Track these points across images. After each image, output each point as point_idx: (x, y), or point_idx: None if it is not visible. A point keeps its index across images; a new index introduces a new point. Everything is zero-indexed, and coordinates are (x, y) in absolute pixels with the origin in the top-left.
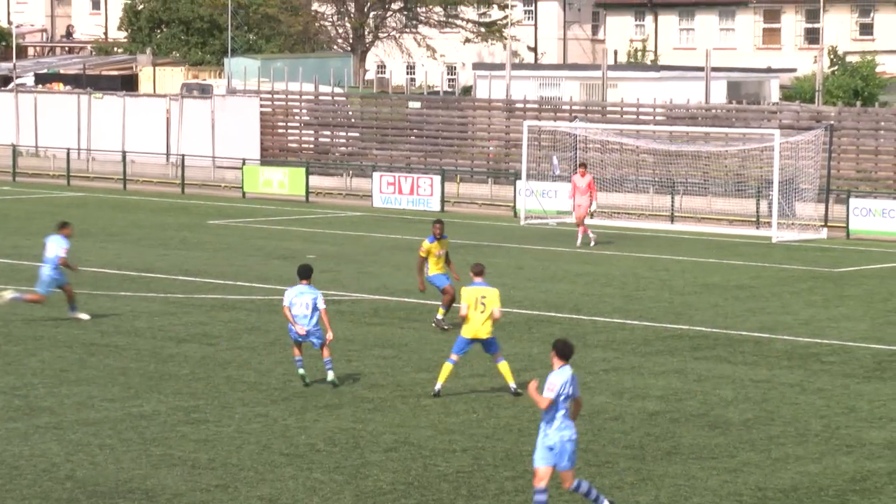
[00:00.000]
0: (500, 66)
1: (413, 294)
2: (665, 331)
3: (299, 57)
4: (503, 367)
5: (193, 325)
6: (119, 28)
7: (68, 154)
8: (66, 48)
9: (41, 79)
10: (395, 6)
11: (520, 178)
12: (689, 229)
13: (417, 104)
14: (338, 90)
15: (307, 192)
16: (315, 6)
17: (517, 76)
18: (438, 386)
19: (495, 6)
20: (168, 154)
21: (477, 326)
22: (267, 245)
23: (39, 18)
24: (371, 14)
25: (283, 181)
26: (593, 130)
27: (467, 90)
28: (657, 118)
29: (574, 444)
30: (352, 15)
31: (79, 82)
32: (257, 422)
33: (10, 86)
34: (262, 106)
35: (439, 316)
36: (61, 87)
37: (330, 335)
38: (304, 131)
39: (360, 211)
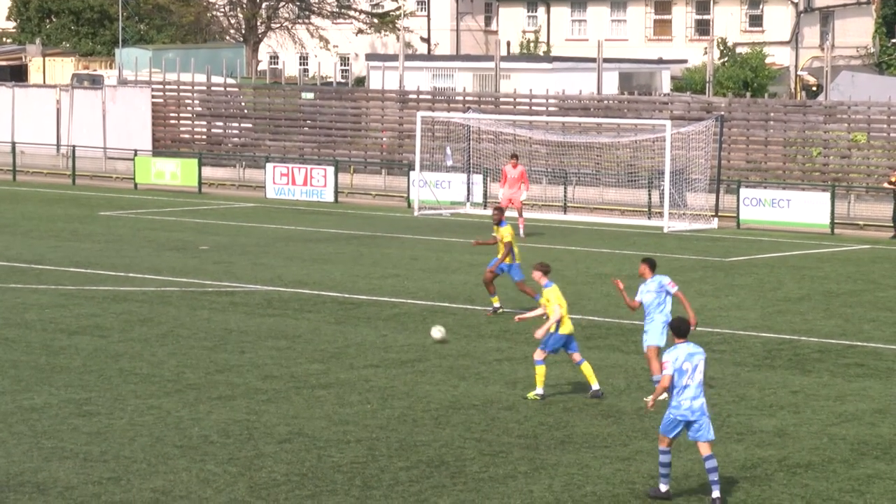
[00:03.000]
0: (393, 57)
1: (307, 285)
2: None
3: (191, 47)
4: (541, 370)
5: (85, 317)
6: (8, 18)
7: None
8: None
9: None
10: None
11: (413, 169)
12: (581, 219)
13: (310, 95)
14: (230, 81)
15: (200, 183)
16: None
17: (410, 67)
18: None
19: None
20: (58, 145)
21: (569, 322)
22: (159, 236)
23: None
24: (263, 4)
25: (176, 172)
26: (486, 121)
27: (360, 81)
28: (550, 109)
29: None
30: (244, 5)
31: None
32: (150, 414)
33: None
34: (153, 97)
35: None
36: None
37: None
38: (196, 122)
39: (253, 202)
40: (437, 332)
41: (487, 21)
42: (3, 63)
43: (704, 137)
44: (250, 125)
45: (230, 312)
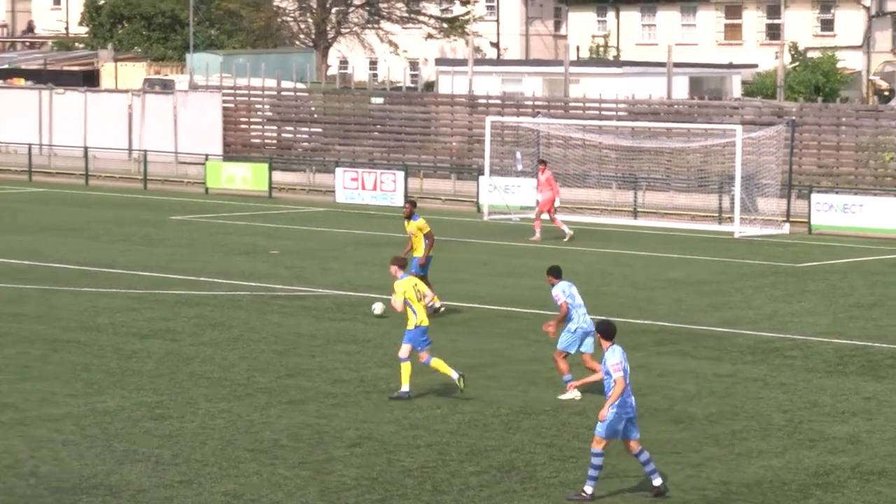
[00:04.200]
0: (463, 62)
1: (377, 290)
2: (628, 326)
3: (261, 52)
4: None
5: (156, 321)
6: (80, 23)
7: (30, 150)
8: (27, 43)
9: (2, 74)
10: (357, 2)
11: (483, 174)
12: (651, 224)
13: (380, 100)
14: (300, 86)
15: (270, 188)
16: (277, 1)
17: (479, 72)
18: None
19: (457, 2)
20: (130, 149)
21: (424, 315)
22: (229, 241)
23: None
24: (333, 10)
25: (246, 177)
26: (556, 126)
27: (430, 86)
28: (619, 114)
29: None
30: (314, 10)
31: (40, 78)
32: (221, 417)
33: None
34: (224, 101)
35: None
36: (22, 82)
37: None
38: (266, 127)
39: (323, 206)
40: (378, 307)
41: (557, 26)
42: (76, 68)
43: (775, 142)
44: (320, 130)
45: (300, 317)
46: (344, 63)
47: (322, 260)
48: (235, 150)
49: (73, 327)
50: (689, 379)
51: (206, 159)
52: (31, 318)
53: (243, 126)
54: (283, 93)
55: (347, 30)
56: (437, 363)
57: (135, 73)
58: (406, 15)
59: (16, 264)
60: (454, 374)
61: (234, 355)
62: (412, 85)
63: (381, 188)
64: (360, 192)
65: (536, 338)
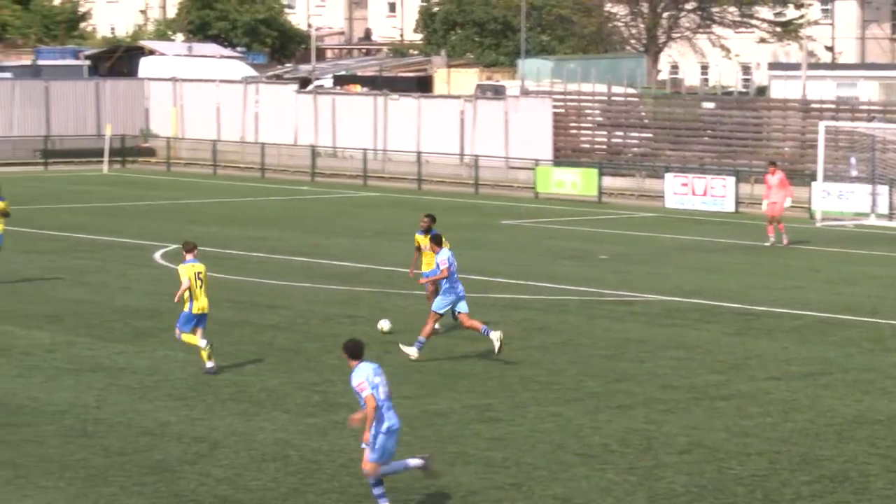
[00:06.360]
0: (796, 66)
1: (705, 296)
2: None
3: (592, 57)
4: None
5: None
6: (415, 30)
7: (365, 155)
8: (364, 50)
9: (339, 80)
10: (688, 6)
11: (816, 180)
12: None
13: (711, 104)
14: (631, 91)
15: (599, 193)
16: (608, 7)
17: (813, 76)
18: (211, 364)
19: (791, 5)
20: (462, 154)
21: (203, 301)
22: (558, 245)
23: (338, 21)
24: (664, 14)
25: (576, 181)
26: (892, 131)
27: (762, 90)
28: None
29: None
30: (645, 15)
31: (375, 84)
32: (550, 421)
33: (310, 87)
34: (554, 107)
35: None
36: (359, 88)
37: None
38: (596, 132)
39: (652, 212)
40: (385, 323)
41: (894, 28)
42: (410, 74)
43: None
44: (650, 135)
45: (629, 322)
46: (675, 68)
47: (651, 265)
48: (565, 154)
49: (405, 329)
50: None
51: (536, 164)
52: (364, 320)
53: (573, 131)
54: (613, 98)
55: (679, 34)
56: (187, 338)
57: (467, 78)
58: (739, 19)
59: (350, 267)
60: (201, 342)
61: (563, 359)
62: (744, 89)
63: (711, 194)
64: (689, 198)
65: (870, 346)
